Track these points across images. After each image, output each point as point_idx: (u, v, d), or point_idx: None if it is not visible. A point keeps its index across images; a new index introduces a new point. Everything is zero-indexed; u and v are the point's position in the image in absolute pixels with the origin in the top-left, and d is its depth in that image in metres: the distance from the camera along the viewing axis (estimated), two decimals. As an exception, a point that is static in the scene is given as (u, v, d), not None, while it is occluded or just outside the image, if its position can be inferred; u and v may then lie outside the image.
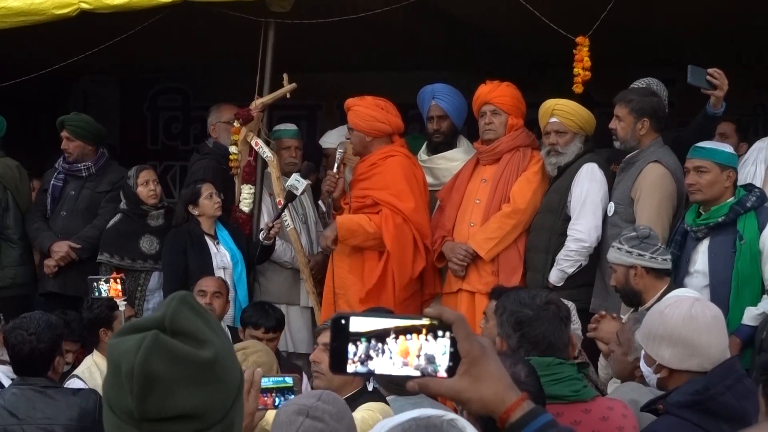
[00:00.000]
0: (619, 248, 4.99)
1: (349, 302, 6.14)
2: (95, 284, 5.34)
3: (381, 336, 1.62)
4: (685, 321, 3.25)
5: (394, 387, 3.91)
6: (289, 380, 3.04)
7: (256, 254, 6.50)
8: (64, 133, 7.00)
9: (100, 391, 4.61)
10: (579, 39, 5.85)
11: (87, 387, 4.97)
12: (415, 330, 1.63)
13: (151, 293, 6.60)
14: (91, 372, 5.21)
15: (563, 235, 5.87)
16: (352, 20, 6.30)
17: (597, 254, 5.84)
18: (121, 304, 5.22)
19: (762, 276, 5.18)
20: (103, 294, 5.27)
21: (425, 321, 1.64)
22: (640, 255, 4.95)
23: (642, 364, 3.42)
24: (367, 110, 6.34)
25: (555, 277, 5.85)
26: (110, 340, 1.73)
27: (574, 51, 5.86)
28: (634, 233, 5.03)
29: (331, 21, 6.33)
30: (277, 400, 3.03)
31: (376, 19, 6.31)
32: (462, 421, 1.66)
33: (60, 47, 6.93)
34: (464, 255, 6.06)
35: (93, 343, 5.43)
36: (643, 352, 3.38)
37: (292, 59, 6.66)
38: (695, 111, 6.00)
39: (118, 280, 5.31)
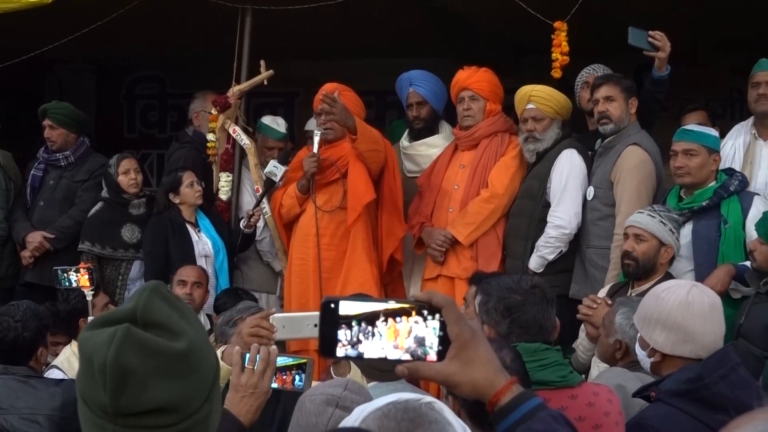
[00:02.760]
0: (662, 223, 5.04)
1: (338, 280, 6.13)
2: (65, 275, 5.30)
3: (370, 319, 1.62)
4: (681, 306, 3.23)
5: (374, 373, 3.90)
6: (304, 359, 3.01)
7: (237, 242, 6.49)
8: (46, 122, 6.98)
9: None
10: (557, 24, 5.87)
11: (67, 377, 4.96)
12: (405, 312, 1.63)
13: (133, 282, 6.60)
14: (70, 362, 5.18)
15: (543, 222, 5.88)
16: (330, 6, 6.28)
17: (576, 240, 5.86)
18: (89, 294, 5.19)
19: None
20: (73, 284, 5.23)
21: (413, 304, 1.64)
22: (677, 240, 5.05)
23: (637, 347, 3.41)
24: (355, 97, 6.36)
25: (535, 263, 5.86)
26: (81, 334, 1.70)
27: (552, 36, 5.87)
28: (674, 215, 5.11)
29: (309, 7, 6.31)
30: (296, 377, 3.00)
31: (353, 6, 6.30)
32: (439, 404, 1.67)
33: (35, 36, 6.88)
34: (443, 240, 6.06)
35: (72, 335, 5.38)
36: (639, 335, 3.37)
37: (269, 46, 6.63)
38: (670, 95, 6.03)
39: (87, 270, 5.26)
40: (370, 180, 6.14)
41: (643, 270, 5.04)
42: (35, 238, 6.79)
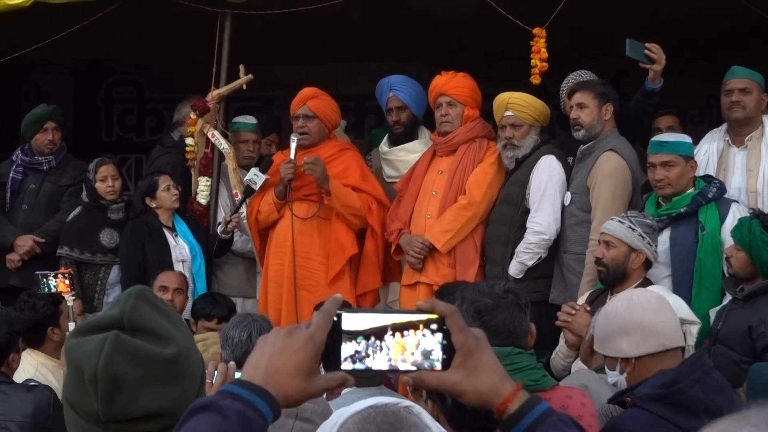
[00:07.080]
0: (631, 228, 5.04)
1: (315, 292, 6.10)
2: (45, 280, 5.23)
3: (379, 333, 1.59)
4: (629, 307, 3.31)
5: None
6: None
7: (213, 248, 6.46)
8: (50, 125, 6.96)
9: (56, 390, 4.56)
10: (536, 30, 5.87)
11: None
12: (412, 326, 1.61)
13: (111, 287, 6.56)
14: (43, 375, 5.00)
15: (522, 228, 5.87)
16: (309, 11, 6.28)
17: (555, 246, 5.87)
18: (69, 300, 5.12)
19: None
20: (52, 289, 5.16)
21: (420, 316, 1.62)
22: (649, 244, 5.06)
23: (608, 373, 3.46)
24: (333, 102, 6.36)
25: (515, 269, 5.85)
26: (68, 341, 1.69)
27: (531, 42, 5.88)
28: (647, 220, 5.09)
29: (288, 12, 6.30)
30: None
31: (332, 11, 6.29)
32: (417, 408, 1.66)
33: (12, 39, 6.83)
34: (421, 248, 6.04)
35: (37, 344, 5.07)
36: (605, 359, 3.43)
37: (249, 50, 6.62)
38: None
39: (66, 275, 5.20)
40: (352, 234, 6.28)
41: (614, 275, 5.06)
42: (26, 242, 6.75)
